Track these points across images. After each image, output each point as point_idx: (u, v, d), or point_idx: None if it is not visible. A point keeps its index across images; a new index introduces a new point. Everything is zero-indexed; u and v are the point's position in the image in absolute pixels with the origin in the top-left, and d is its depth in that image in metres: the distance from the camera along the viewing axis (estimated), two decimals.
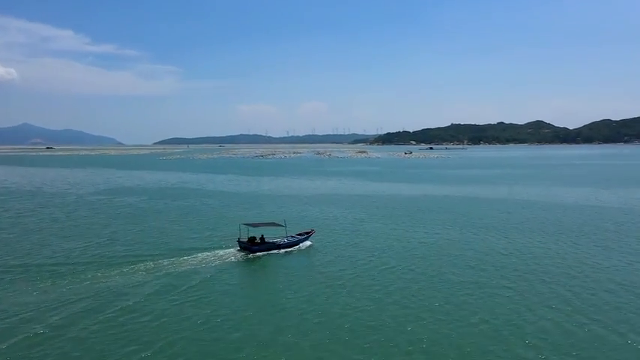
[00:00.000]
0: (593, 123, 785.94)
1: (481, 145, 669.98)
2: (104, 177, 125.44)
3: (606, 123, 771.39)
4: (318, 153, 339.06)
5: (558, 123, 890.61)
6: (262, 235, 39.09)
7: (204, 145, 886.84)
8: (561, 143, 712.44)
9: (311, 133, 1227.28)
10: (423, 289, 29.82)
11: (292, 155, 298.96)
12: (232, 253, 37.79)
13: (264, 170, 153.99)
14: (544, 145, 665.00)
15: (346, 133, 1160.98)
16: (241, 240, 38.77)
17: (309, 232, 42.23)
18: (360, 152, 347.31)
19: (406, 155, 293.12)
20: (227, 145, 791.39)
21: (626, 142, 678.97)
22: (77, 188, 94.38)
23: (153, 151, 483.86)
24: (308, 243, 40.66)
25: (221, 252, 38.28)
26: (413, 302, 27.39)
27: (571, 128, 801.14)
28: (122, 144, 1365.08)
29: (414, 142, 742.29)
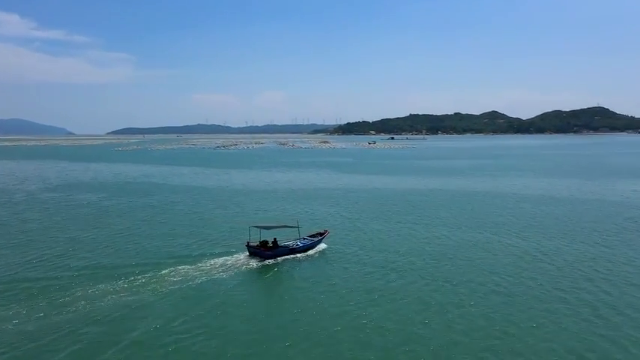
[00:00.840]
0: (544, 114, 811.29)
1: (439, 135, 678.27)
2: (56, 170, 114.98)
3: (557, 114, 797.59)
4: (281, 143, 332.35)
5: (512, 114, 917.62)
6: (275, 239, 34.86)
7: (160, 136, 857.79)
8: (515, 133, 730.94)
9: (270, 124, 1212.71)
10: (467, 299, 25.47)
11: (255, 146, 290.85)
12: (241, 261, 33.32)
13: (231, 162, 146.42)
14: (499, 135, 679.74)
15: (305, 124, 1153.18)
16: (251, 244, 34.53)
17: (323, 234, 37.93)
18: (322, 142, 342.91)
19: (370, 145, 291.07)
20: (185, 136, 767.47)
21: (575, 132, 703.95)
22: (26, 184, 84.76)
23: (107, 141, 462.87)
24: (323, 246, 36.71)
25: (228, 259, 33.64)
26: (467, 321, 22.38)
27: (524, 119, 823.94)
28: (73, 134, 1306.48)
29: (373, 132, 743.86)
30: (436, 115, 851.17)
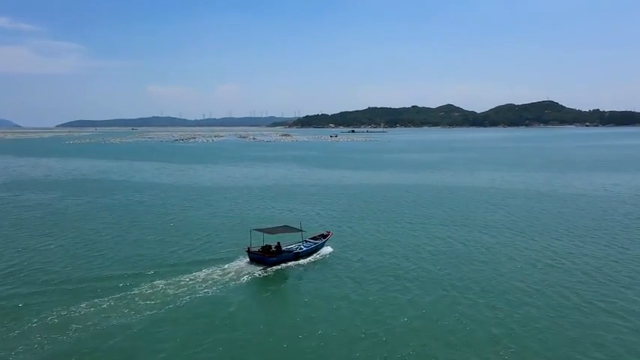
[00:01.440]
0: (498, 107, 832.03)
1: (398, 128, 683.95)
2: (1, 167, 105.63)
3: (510, 107, 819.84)
4: (241, 137, 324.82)
5: (467, 107, 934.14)
6: (279, 243, 32.09)
7: (114, 128, 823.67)
8: (470, 126, 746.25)
9: (228, 116, 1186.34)
10: (504, 312, 22.25)
11: (215, 139, 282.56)
12: (242, 268, 30.20)
13: (194, 156, 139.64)
14: (456, 128, 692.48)
15: (264, 116, 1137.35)
16: (252, 249, 31.56)
17: (326, 236, 35.49)
18: (284, 135, 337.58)
19: (332, 138, 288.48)
20: (140, 129, 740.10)
21: (527, 125, 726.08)
22: None
23: (56, 134, 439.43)
24: (328, 249, 34.08)
25: (226, 267, 30.28)
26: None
27: (479, 112, 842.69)
28: (20, 127, 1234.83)
29: (332, 125, 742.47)
30: (394, 109, 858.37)
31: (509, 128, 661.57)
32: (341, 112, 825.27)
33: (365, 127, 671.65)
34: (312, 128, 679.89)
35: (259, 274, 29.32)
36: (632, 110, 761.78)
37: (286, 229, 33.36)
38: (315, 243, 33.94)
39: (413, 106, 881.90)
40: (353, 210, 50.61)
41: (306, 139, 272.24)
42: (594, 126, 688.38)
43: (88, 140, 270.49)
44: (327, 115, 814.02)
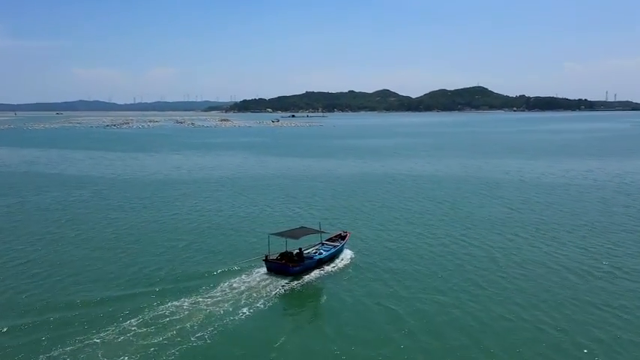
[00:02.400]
0: (432, 92, 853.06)
1: (336, 113, 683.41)
2: None
3: (443, 92, 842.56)
4: (178, 122, 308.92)
5: (402, 92, 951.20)
6: (300, 249, 28.10)
7: (36, 113, 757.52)
8: (406, 111, 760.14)
9: (160, 100, 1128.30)
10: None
11: (150, 124, 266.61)
12: (261, 282, 25.71)
13: (132, 144, 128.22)
14: (393, 113, 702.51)
15: (199, 100, 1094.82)
16: (271, 258, 27.16)
17: (344, 237, 31.56)
18: (223, 121, 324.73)
19: (274, 123, 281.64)
20: (66, 113, 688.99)
21: (459, 109, 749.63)
22: None
23: None
24: (349, 253, 30.38)
25: (240, 281, 25.72)
26: None
27: (414, 97, 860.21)
28: None
29: (270, 110, 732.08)
30: (331, 93, 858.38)
31: (443, 113, 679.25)
32: (279, 97, 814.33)
33: (303, 111, 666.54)
34: (249, 113, 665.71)
35: (284, 289, 24.89)
36: (555, 96, 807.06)
37: (305, 230, 29.19)
38: (335, 246, 30.04)
39: (350, 91, 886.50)
40: (343, 205, 45.27)
41: (248, 125, 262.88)
42: (521, 111, 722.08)
43: (7, 126, 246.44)
44: (265, 100, 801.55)
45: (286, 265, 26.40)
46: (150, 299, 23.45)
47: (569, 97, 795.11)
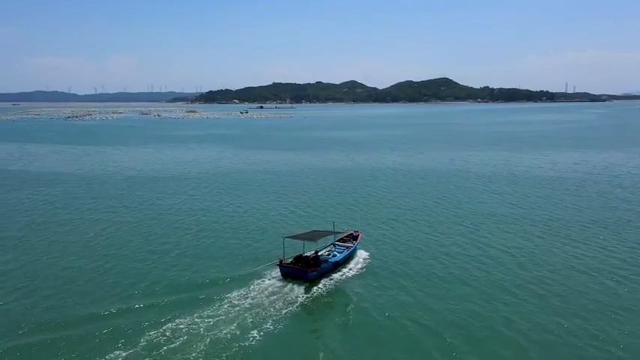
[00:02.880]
0: (398, 84, 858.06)
1: (304, 104, 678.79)
2: None
3: (409, 84, 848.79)
4: (144, 113, 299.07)
5: (369, 83, 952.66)
6: (316, 252, 26.40)
7: None
8: (374, 102, 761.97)
9: (123, 91, 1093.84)
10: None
11: (114, 116, 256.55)
12: (278, 289, 23.55)
13: (97, 137, 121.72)
14: (360, 104, 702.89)
15: (163, 91, 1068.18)
16: (285, 263, 25.13)
17: (356, 237, 29.85)
18: (190, 112, 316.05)
19: (243, 115, 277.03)
20: (23, 104, 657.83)
21: (425, 101, 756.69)
22: None
23: None
24: (363, 253, 28.79)
25: (253, 288, 23.58)
26: None
27: (380, 88, 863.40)
28: None
29: (237, 101, 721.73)
30: (299, 84, 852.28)
31: (410, 104, 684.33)
32: (245, 88, 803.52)
33: (271, 102, 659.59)
34: (216, 104, 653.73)
35: (304, 297, 22.91)
36: (517, 87, 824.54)
37: (321, 233, 27.40)
38: (348, 247, 28.37)
39: (317, 82, 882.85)
40: (339, 202, 42.73)
41: (216, 116, 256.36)
42: (485, 102, 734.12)
43: None
44: (231, 91, 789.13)
45: (304, 271, 24.35)
46: (152, 314, 20.87)
47: (531, 89, 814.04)
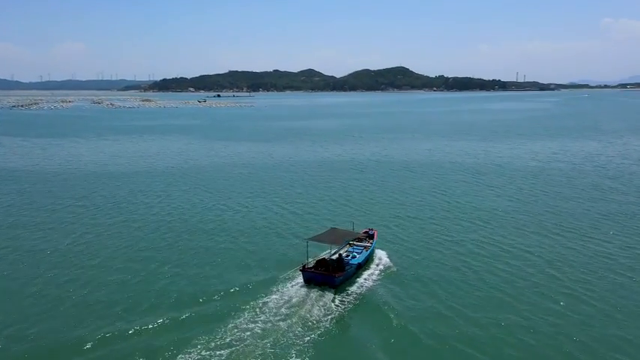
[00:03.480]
0: (356, 72, 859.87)
1: (261, 92, 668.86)
2: None
3: (367, 73, 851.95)
4: (96, 102, 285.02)
5: (327, 72, 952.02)
6: (340, 255, 24.36)
7: None
8: (331, 90, 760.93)
9: (71, 79, 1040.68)
10: None
11: (63, 105, 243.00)
12: (303, 298, 21.26)
13: (47, 128, 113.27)
14: (318, 92, 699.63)
15: (114, 79, 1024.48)
16: (308, 267, 23.02)
17: (372, 235, 27.90)
18: (145, 101, 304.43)
19: (201, 104, 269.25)
20: None
21: (382, 89, 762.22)
22: None
23: None
24: (382, 253, 26.87)
25: (279, 296, 21.46)
26: None
27: (338, 77, 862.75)
28: None
29: (192, 89, 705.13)
30: (256, 73, 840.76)
31: (368, 93, 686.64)
32: (201, 76, 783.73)
33: (227, 91, 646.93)
34: (171, 93, 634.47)
35: (335, 306, 20.81)
36: (471, 76, 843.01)
37: (344, 233, 25.57)
38: (365, 247, 26.47)
39: (275, 70, 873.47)
40: (332, 197, 39.84)
41: (174, 105, 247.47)
42: (440, 91, 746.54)
43: None
44: (186, 79, 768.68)
45: (331, 276, 22.22)
46: (166, 332, 18.35)
47: (484, 78, 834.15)
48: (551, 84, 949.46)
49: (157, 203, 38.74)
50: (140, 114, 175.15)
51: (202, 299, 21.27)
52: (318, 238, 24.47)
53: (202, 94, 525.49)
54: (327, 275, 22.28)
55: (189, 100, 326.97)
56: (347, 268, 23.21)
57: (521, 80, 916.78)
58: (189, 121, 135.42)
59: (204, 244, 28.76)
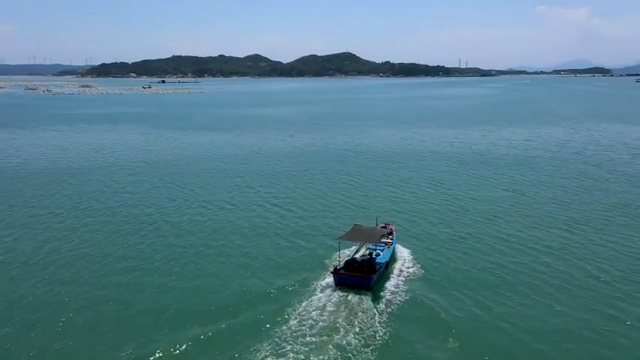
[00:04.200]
0: (303, 58, 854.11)
1: (207, 78, 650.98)
2: None
3: (314, 58, 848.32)
4: (30, 88, 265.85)
5: (273, 57, 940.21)
6: (371, 254, 22.80)
7: None
8: (279, 76, 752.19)
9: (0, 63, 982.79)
10: None
11: None
12: (337, 302, 19.51)
13: None
14: (265, 78, 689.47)
15: (48, 64, 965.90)
16: (338, 270, 21.22)
17: (390, 231, 25.89)
18: (85, 87, 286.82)
19: (147, 90, 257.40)
20: None
21: (330, 75, 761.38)
22: None
23: None
24: (405, 251, 25.08)
25: (311, 302, 19.49)
26: None
27: (285, 62, 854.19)
28: None
29: (134, 75, 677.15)
30: (200, 58, 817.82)
31: (316, 78, 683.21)
32: (143, 61, 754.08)
33: (171, 76, 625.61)
34: (111, 78, 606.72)
35: (374, 309, 19.16)
36: (416, 62, 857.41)
37: (373, 230, 23.63)
38: (387, 244, 24.53)
39: (220, 56, 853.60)
40: (325, 192, 36.38)
41: (117, 92, 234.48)
42: (387, 77, 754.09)
43: None
44: (127, 64, 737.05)
45: (367, 278, 20.61)
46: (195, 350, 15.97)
47: (429, 64, 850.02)
48: (492, 70, 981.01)
49: (134, 202, 34.18)
50: (82, 101, 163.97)
51: (230, 310, 19.04)
52: (349, 237, 22.56)
53: (145, 79, 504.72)
54: (363, 277, 20.60)
55: (133, 86, 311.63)
56: (377, 267, 21.53)
57: (463, 66, 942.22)
58: (138, 109, 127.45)
59: (217, 249, 24.98)
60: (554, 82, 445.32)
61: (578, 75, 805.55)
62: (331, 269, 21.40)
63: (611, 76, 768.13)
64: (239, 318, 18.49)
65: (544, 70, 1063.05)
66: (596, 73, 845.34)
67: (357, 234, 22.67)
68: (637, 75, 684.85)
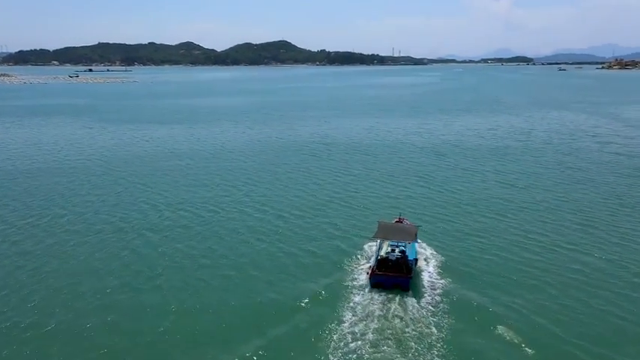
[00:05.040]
0: (237, 46, 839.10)
1: (138, 67, 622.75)
2: None
3: (249, 46, 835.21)
4: None
5: (207, 45, 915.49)
6: (404, 252, 21.25)
7: None
8: (213, 64, 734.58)
9: None
10: None
11: None
12: (377, 305, 18.26)
13: None
14: (199, 67, 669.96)
15: None
16: (376, 271, 19.74)
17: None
18: (4, 76, 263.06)
19: (73, 79, 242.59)
20: None
21: (266, 63, 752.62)
22: None
23: None
24: (427, 248, 23.75)
25: (347, 307, 18.21)
26: None
27: (219, 50, 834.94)
28: None
29: (56, 63, 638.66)
30: (129, 45, 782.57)
31: (251, 67, 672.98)
32: (66, 48, 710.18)
33: (98, 65, 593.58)
34: (30, 66, 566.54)
35: (419, 311, 18.15)
36: (352, 51, 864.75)
37: (391, 226, 22.31)
38: (408, 240, 21.95)
39: (150, 43, 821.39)
40: (320, 187, 33.27)
41: (41, 81, 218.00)
42: (323, 65, 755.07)
43: None
44: (49, 51, 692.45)
45: (405, 278, 19.51)
46: None
47: (363, 52, 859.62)
48: (424, 59, 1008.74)
49: (101, 205, 29.53)
50: (3, 92, 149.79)
51: (264, 325, 17.28)
52: (383, 235, 21.28)
53: (69, 68, 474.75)
54: (401, 277, 19.53)
55: (58, 74, 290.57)
56: (411, 266, 20.56)
57: (396, 55, 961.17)
58: (70, 101, 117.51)
59: (209, 258, 21.33)
60: (486, 70, 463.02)
61: (504, 64, 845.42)
62: (368, 270, 20.19)
63: (534, 64, 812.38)
64: (279, 329, 17.07)
65: (472, 59, 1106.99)
66: (520, 62, 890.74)
67: (391, 231, 21.41)
68: (557, 64, 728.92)
